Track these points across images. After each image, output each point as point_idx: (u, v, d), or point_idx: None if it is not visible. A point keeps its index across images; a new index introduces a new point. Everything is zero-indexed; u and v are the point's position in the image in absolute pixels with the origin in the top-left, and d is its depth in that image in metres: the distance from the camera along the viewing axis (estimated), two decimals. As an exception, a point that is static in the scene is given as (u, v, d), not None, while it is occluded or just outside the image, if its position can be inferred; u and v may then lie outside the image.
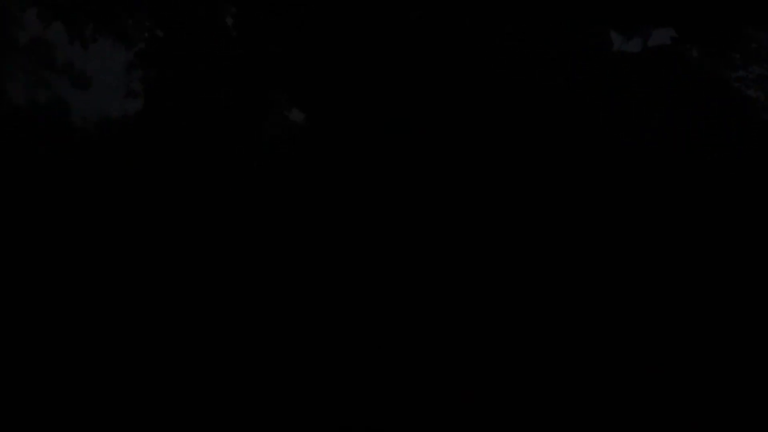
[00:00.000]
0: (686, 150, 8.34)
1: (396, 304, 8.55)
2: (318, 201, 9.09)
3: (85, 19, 9.55)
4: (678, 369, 7.84)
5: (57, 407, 7.47)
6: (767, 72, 8.31)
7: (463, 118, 8.75)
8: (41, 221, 9.45)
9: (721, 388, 7.66)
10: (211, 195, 9.43)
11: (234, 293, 8.90)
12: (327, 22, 8.98)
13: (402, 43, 8.74)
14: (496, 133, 8.71)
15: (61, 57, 9.70)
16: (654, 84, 8.55)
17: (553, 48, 8.37)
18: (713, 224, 8.27)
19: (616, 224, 8.47)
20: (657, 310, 8.22)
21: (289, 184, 9.28)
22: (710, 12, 8.27)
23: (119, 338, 8.55)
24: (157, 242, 9.31)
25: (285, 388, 7.72)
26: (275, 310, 8.72)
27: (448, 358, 8.08)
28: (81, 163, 9.74)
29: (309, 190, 9.13)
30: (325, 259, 8.95)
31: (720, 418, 7.40)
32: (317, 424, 7.30)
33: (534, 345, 8.17)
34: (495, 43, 8.37)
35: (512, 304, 8.44)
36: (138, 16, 9.40)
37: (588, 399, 7.66)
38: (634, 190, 8.46)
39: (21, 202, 9.43)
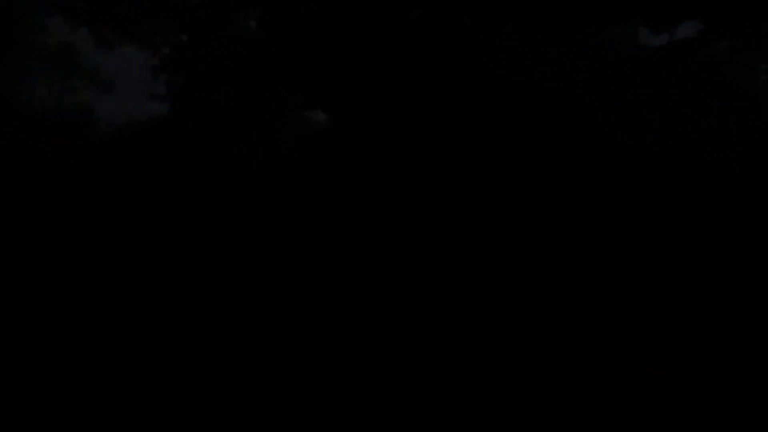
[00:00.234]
0: (687, 150, 8.38)
1: (396, 304, 8.63)
2: (325, 200, 9.20)
3: (111, 24, 9.71)
4: (678, 369, 7.88)
5: (57, 407, 7.52)
6: None
7: (463, 118, 8.82)
8: (68, 219, 9.58)
9: (721, 388, 7.69)
10: (232, 193, 9.56)
11: (240, 291, 9.01)
12: (341, 24, 9.11)
13: (402, 43, 8.82)
14: (496, 133, 8.76)
15: (87, 62, 9.87)
16: (654, 84, 8.61)
17: (553, 48, 8.41)
18: (714, 224, 8.33)
19: (616, 224, 8.53)
20: (657, 309, 8.28)
21: (305, 183, 9.39)
22: (741, 5, 8.25)
23: (133, 332, 8.67)
24: (177, 239, 9.43)
25: (285, 388, 7.79)
26: (276, 309, 8.83)
27: (448, 358, 8.14)
28: (105, 165, 9.88)
29: (319, 190, 9.24)
30: (327, 259, 9.05)
31: (720, 418, 7.43)
32: (317, 424, 7.33)
33: (534, 345, 8.21)
34: (495, 43, 8.42)
35: (512, 304, 8.50)
36: (162, 22, 9.56)
37: (588, 399, 7.69)
38: (633, 190, 8.52)
39: (47, 202, 9.57)
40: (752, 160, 8.37)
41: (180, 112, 9.99)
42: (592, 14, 8.53)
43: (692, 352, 7.98)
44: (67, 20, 9.83)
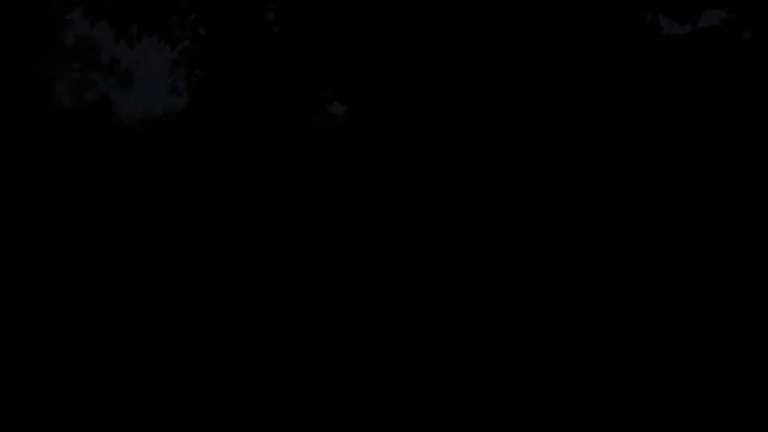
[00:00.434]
0: (687, 150, 8.30)
1: (396, 304, 8.60)
2: (331, 201, 9.20)
3: (130, 18, 9.72)
4: (677, 369, 7.80)
5: (57, 407, 7.52)
6: None
7: (463, 118, 8.78)
8: (88, 208, 9.61)
9: (721, 388, 7.61)
10: (250, 184, 9.56)
11: (244, 290, 9.02)
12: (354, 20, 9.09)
13: (403, 42, 8.81)
14: (496, 133, 8.72)
15: (106, 55, 9.92)
16: (655, 85, 8.53)
17: (553, 48, 8.36)
18: (714, 224, 8.24)
19: (616, 224, 8.46)
20: (657, 309, 8.21)
21: (317, 184, 9.39)
22: None
23: (136, 329, 8.69)
24: (193, 231, 9.44)
25: (285, 388, 7.77)
26: (278, 308, 8.82)
27: (448, 358, 8.09)
28: (125, 158, 9.91)
29: (327, 193, 9.24)
30: (328, 258, 9.03)
31: (720, 418, 7.35)
32: (317, 424, 7.30)
33: (533, 345, 8.16)
34: (495, 43, 8.39)
35: (512, 304, 8.44)
36: (181, 15, 9.55)
37: (588, 399, 7.63)
38: (634, 189, 8.45)
39: (68, 194, 9.61)
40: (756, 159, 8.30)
41: (199, 105, 10.00)
42: (592, 14, 8.48)
43: (692, 352, 7.93)
44: (86, 14, 9.85)
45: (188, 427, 7.53)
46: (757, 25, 8.42)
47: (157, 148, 10.11)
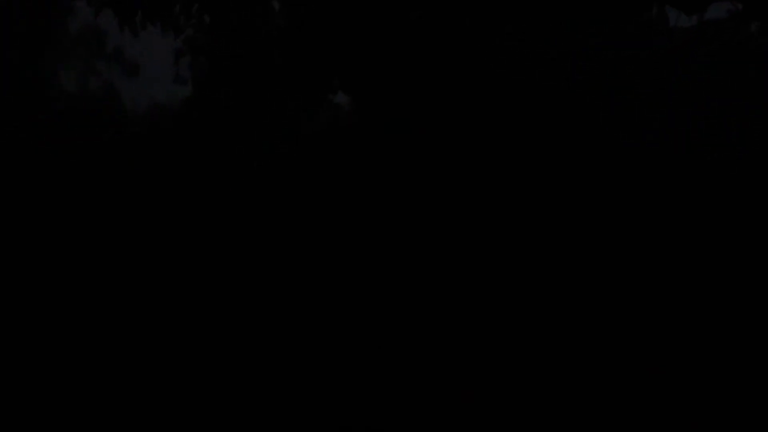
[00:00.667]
0: (687, 150, 8.28)
1: (396, 304, 8.65)
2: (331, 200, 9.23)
3: (135, 6, 9.73)
4: (677, 369, 7.83)
5: (57, 406, 7.59)
6: None
7: (463, 118, 8.77)
8: (93, 200, 9.68)
9: (721, 387, 7.64)
10: (256, 177, 9.60)
11: (244, 289, 9.08)
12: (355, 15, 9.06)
13: (403, 42, 8.78)
14: (496, 133, 8.71)
15: (111, 44, 9.93)
16: (655, 85, 8.49)
17: (553, 48, 8.32)
18: (714, 224, 8.24)
19: (617, 224, 8.46)
20: (657, 309, 8.23)
21: (319, 181, 9.42)
22: None
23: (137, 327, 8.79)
24: (199, 225, 9.50)
25: (285, 388, 7.83)
26: (278, 308, 8.89)
27: (448, 358, 8.14)
28: (130, 148, 9.96)
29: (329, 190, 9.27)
30: (328, 258, 9.08)
31: (720, 418, 7.38)
32: (317, 424, 7.35)
33: (533, 345, 8.20)
34: (495, 43, 8.35)
35: (512, 304, 8.48)
36: (186, 3, 9.56)
37: (588, 399, 7.67)
38: (634, 189, 8.44)
39: (72, 184, 9.67)
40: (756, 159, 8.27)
41: (204, 95, 10.02)
42: (592, 14, 8.42)
43: (692, 352, 7.96)
44: (91, 2, 9.86)
45: (188, 427, 7.58)
46: (765, 18, 8.35)
47: (161, 142, 10.15)
